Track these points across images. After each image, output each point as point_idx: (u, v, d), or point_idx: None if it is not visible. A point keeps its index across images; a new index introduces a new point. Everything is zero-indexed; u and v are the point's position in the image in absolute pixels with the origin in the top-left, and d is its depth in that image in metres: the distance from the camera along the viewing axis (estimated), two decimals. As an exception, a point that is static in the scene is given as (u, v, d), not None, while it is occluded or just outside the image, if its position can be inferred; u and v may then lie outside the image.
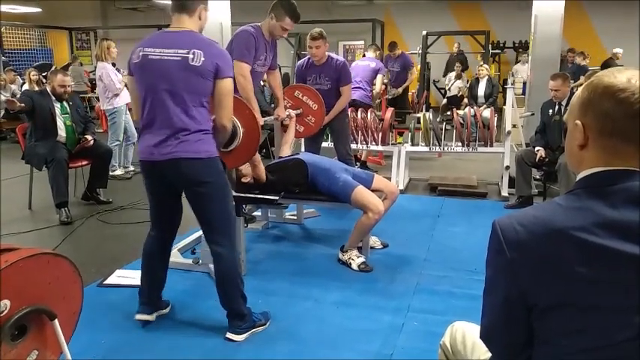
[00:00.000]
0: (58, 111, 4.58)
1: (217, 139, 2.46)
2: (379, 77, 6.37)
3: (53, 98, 4.58)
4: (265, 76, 3.90)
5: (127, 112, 5.89)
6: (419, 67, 9.89)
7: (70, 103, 4.70)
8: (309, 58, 4.43)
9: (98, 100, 6.26)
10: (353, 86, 6.00)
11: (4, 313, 1.64)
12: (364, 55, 7.17)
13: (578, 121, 1.03)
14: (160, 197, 2.51)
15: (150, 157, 2.33)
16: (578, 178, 1.04)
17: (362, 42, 7.20)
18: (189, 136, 2.28)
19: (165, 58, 2.27)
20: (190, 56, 2.24)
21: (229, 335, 2.48)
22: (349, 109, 5.45)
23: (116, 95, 5.68)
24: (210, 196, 2.37)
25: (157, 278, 2.65)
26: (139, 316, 2.59)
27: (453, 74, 10.24)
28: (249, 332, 2.50)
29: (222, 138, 2.51)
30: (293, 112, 4.09)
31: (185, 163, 2.29)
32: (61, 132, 4.58)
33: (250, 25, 3.47)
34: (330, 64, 4.38)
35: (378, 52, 6.92)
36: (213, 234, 2.45)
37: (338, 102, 4.42)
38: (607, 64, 9.01)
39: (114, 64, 6.29)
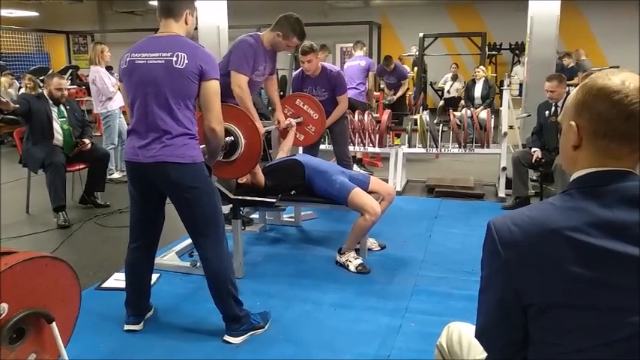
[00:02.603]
0: (54, 114, 4.57)
1: (210, 146, 2.44)
2: (371, 74, 6.45)
3: (50, 102, 4.58)
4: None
5: (121, 115, 5.89)
6: (416, 69, 9.91)
7: (67, 107, 4.70)
8: (303, 70, 4.43)
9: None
10: (348, 87, 6.04)
11: (2, 317, 1.64)
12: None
13: (572, 122, 1.04)
14: (143, 201, 2.49)
15: (135, 159, 2.33)
16: (572, 179, 1.05)
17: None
18: (174, 140, 2.28)
19: (150, 62, 2.29)
20: (174, 59, 2.25)
21: (226, 338, 2.48)
22: (357, 112, 5.48)
23: (109, 99, 5.67)
24: (195, 201, 2.37)
25: (144, 289, 2.65)
26: (128, 327, 2.59)
27: (449, 75, 10.26)
28: (248, 335, 2.50)
29: (215, 145, 2.45)
30: (294, 121, 4.11)
31: (169, 167, 2.28)
32: (58, 135, 4.58)
33: (250, 34, 3.46)
34: (324, 76, 4.39)
35: (365, 49, 7.08)
36: (201, 238, 2.44)
37: (335, 110, 4.44)
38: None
39: (110, 68, 6.28)
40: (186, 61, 2.25)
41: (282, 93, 9.57)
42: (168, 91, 2.26)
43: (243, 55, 3.35)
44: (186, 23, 2.40)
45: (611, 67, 9.80)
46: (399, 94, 7.87)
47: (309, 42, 4.38)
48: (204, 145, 2.47)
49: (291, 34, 3.47)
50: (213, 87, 2.31)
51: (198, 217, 2.41)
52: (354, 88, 6.19)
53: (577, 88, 1.07)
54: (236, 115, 2.88)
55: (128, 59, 2.35)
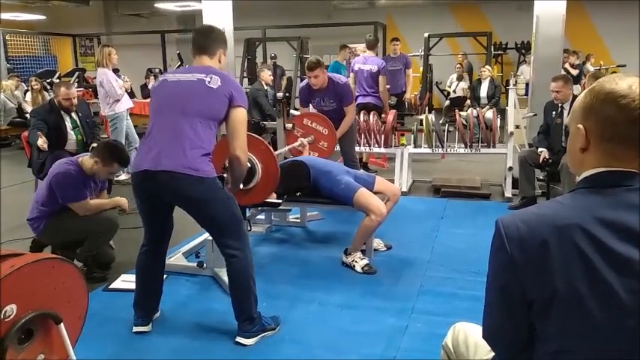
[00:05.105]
0: (68, 125, 4.62)
1: (233, 174, 2.48)
2: (381, 78, 6.29)
3: (62, 112, 4.61)
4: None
5: (128, 117, 5.92)
6: (421, 69, 9.89)
7: (80, 114, 4.72)
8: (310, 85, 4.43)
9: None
10: (364, 93, 6.01)
11: (10, 318, 1.66)
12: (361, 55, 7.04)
13: (580, 125, 1.05)
14: (150, 211, 2.51)
15: (147, 166, 2.31)
16: (580, 178, 1.07)
17: (364, 45, 7.15)
18: (191, 152, 2.29)
19: (183, 79, 2.40)
20: (207, 79, 2.35)
21: (239, 339, 2.48)
22: (363, 112, 5.46)
23: (117, 101, 5.70)
24: (213, 212, 2.39)
25: (154, 291, 2.66)
26: (137, 329, 2.59)
27: (454, 76, 10.24)
28: (259, 336, 2.51)
29: (239, 172, 2.49)
30: (305, 141, 4.15)
31: (182, 180, 2.27)
32: (72, 144, 4.61)
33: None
34: (332, 87, 4.41)
35: (378, 45, 6.75)
36: (225, 240, 2.45)
37: (343, 122, 4.46)
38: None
39: (117, 70, 6.31)
40: (219, 83, 2.34)
41: (287, 94, 9.59)
42: (196, 106, 2.33)
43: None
44: (219, 62, 2.52)
45: (618, 66, 9.79)
46: (410, 87, 7.70)
47: (315, 57, 4.40)
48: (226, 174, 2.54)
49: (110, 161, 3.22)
50: (241, 114, 2.38)
51: (217, 225, 2.45)
52: (373, 94, 6.11)
53: (585, 91, 1.08)
54: (249, 140, 2.87)
55: (161, 79, 2.53)
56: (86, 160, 3.23)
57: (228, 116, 2.36)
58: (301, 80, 9.71)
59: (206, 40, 2.50)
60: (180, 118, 2.32)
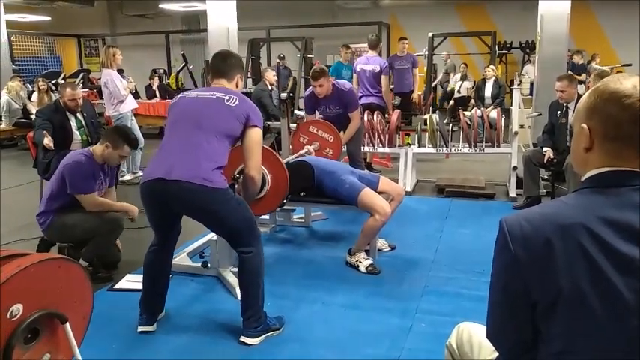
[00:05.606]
0: (73, 126, 4.64)
1: (247, 192, 2.55)
2: (384, 78, 6.28)
3: (67, 112, 4.63)
4: None
5: (133, 117, 5.94)
6: (425, 69, 9.88)
7: (85, 114, 4.74)
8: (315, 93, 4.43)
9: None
10: (367, 93, 6.02)
11: (17, 317, 1.67)
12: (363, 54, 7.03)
13: (584, 125, 1.05)
14: (160, 216, 2.52)
15: (161, 175, 2.32)
16: (584, 178, 1.07)
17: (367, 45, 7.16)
18: (204, 164, 2.32)
19: (202, 96, 2.46)
20: (226, 97, 2.41)
21: (243, 339, 2.49)
22: (366, 112, 5.48)
23: (121, 101, 5.72)
24: (226, 220, 2.42)
25: (161, 289, 2.67)
26: (142, 328, 2.60)
27: (458, 76, 10.23)
28: (264, 336, 2.52)
29: (253, 191, 2.58)
30: (311, 148, 4.18)
31: (194, 191, 2.29)
32: (77, 144, 4.63)
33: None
34: (336, 94, 4.42)
35: (380, 45, 6.76)
36: (240, 240, 2.48)
37: (349, 127, 4.50)
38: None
39: (121, 71, 6.33)
40: (237, 102, 2.41)
41: (291, 94, 9.60)
42: (213, 122, 2.38)
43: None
44: (237, 86, 2.59)
45: (623, 65, 9.74)
46: (417, 86, 7.69)
47: (319, 66, 4.41)
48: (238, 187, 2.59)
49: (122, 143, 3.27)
50: (256, 135, 2.44)
51: (231, 232, 2.49)
52: (376, 94, 6.11)
53: (589, 91, 1.08)
54: None
55: (179, 96, 2.58)
56: (97, 147, 3.30)
57: (244, 136, 2.43)
58: (305, 80, 9.73)
59: (224, 65, 2.58)
60: (196, 131, 2.37)
